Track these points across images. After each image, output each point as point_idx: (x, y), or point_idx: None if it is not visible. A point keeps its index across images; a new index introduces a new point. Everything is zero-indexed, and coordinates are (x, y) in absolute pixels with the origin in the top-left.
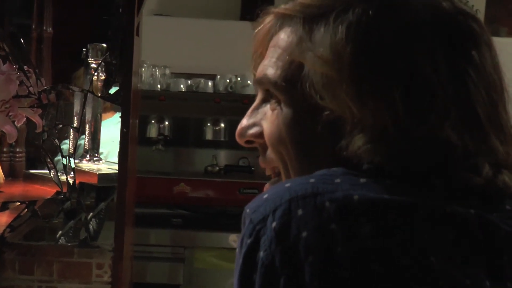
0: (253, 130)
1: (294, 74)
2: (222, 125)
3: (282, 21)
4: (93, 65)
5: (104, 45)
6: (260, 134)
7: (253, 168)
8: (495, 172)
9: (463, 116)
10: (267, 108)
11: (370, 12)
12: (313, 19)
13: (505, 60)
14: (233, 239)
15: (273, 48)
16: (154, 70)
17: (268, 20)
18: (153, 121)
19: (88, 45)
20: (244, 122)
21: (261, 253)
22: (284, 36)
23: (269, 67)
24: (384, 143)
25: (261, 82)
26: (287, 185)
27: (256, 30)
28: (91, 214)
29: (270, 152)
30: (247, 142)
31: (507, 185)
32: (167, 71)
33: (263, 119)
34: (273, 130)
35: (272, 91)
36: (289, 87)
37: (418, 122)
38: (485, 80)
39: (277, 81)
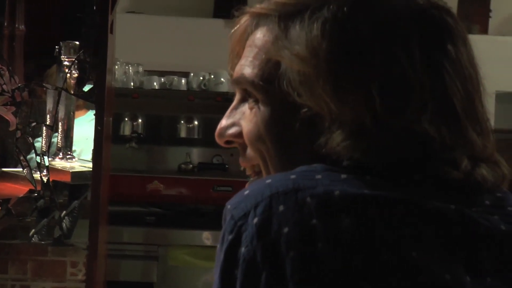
0: (232, 130)
1: (271, 73)
2: (196, 122)
3: (258, 20)
4: (66, 63)
5: (77, 42)
6: (239, 134)
7: (226, 166)
8: (473, 165)
9: (440, 109)
10: (245, 107)
11: (345, 8)
12: (288, 17)
13: (477, 57)
14: (206, 236)
15: (250, 47)
16: (127, 67)
17: (244, 20)
18: (126, 119)
19: (61, 43)
20: (223, 122)
21: (243, 249)
22: (260, 35)
23: (246, 67)
24: (363, 138)
25: (238, 81)
26: (268, 181)
27: (233, 30)
28: (64, 212)
29: (249, 151)
30: (227, 142)
31: (485, 178)
32: (140, 69)
33: (241, 119)
34: (252, 128)
35: (249, 90)
36: (267, 85)
37: (395, 116)
38: (461, 73)
39: (254, 80)
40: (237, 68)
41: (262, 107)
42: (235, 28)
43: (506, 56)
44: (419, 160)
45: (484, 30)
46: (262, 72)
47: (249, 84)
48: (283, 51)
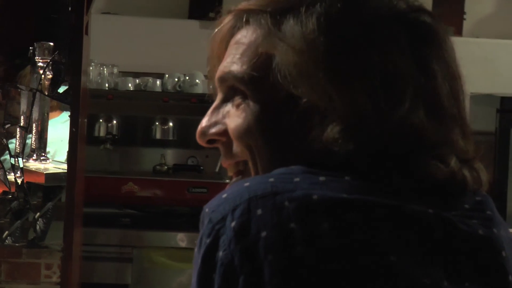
0: (215, 128)
1: (262, 67)
2: (171, 124)
3: (244, 19)
4: (41, 64)
5: (52, 43)
6: (223, 132)
7: (201, 167)
8: (457, 164)
9: (431, 105)
10: (228, 107)
11: (338, 5)
12: (281, 12)
13: None
14: (181, 238)
15: (236, 45)
16: (102, 69)
17: (226, 21)
18: (101, 120)
19: (35, 44)
20: (204, 122)
21: (220, 253)
22: (247, 33)
23: (233, 64)
24: (361, 129)
25: (224, 79)
26: (246, 184)
27: (215, 31)
28: (38, 214)
29: (236, 147)
30: (209, 141)
31: (466, 180)
32: (115, 70)
33: (225, 117)
34: (241, 123)
35: (238, 86)
36: (258, 80)
37: (395, 107)
38: (447, 72)
39: (244, 76)
40: (221, 67)
41: (251, 103)
42: (217, 29)
43: (481, 58)
44: (408, 153)
45: (458, 32)
46: (252, 67)
47: (238, 80)
48: (278, 44)
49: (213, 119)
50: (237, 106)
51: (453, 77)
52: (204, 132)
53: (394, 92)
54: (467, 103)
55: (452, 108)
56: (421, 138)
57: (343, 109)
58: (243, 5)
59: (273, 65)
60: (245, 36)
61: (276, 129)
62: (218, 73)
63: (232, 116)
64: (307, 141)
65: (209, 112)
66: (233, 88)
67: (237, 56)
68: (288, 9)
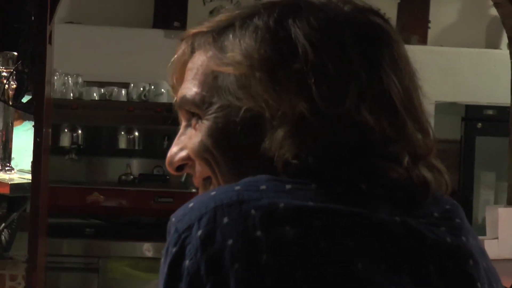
0: (181, 154)
1: (211, 87)
2: (136, 133)
3: (194, 43)
4: (4, 74)
5: (15, 53)
6: (189, 156)
7: (167, 177)
8: (415, 162)
9: (379, 101)
10: (190, 131)
11: (275, 15)
12: (222, 31)
13: (416, 67)
14: (147, 248)
15: (189, 71)
16: (66, 78)
17: (182, 48)
18: (65, 130)
19: None
20: (172, 150)
21: (187, 262)
22: (197, 56)
23: (186, 89)
24: (304, 132)
25: (180, 105)
26: (212, 193)
27: (171, 61)
28: (3, 224)
29: (198, 165)
30: (178, 168)
31: (428, 180)
32: (80, 80)
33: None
34: (196, 141)
35: (192, 110)
36: (207, 100)
37: (334, 106)
38: (397, 70)
39: (195, 98)
40: (179, 93)
41: (205, 122)
42: (174, 58)
43: (445, 66)
44: (361, 154)
45: (423, 41)
46: (202, 88)
47: (190, 103)
48: (219, 61)
49: (179, 146)
50: (194, 128)
51: (404, 74)
52: (171, 160)
53: (332, 90)
54: (431, 111)
55: (404, 105)
56: (367, 136)
57: (283, 114)
58: (191, 30)
59: (218, 83)
60: (196, 59)
61: (229, 143)
62: (176, 100)
63: (190, 138)
64: (261, 152)
65: (175, 140)
66: (190, 112)
67: (189, 80)
68: (228, 26)
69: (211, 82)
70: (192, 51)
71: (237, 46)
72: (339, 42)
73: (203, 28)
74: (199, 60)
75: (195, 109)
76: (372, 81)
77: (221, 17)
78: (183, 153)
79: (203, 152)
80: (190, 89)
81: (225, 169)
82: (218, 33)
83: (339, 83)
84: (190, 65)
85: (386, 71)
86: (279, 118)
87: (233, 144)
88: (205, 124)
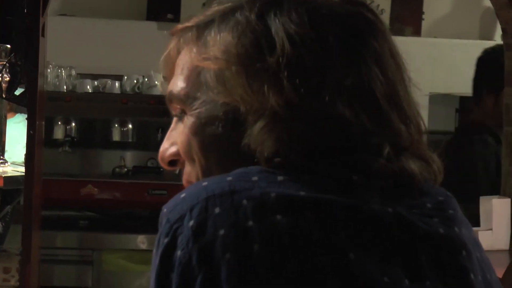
0: (171, 150)
1: (194, 82)
2: (130, 126)
3: (181, 39)
4: None
5: (8, 46)
6: (179, 152)
7: (161, 169)
8: (397, 153)
9: (358, 94)
10: (180, 125)
11: (256, 9)
12: (205, 25)
13: (410, 59)
14: (141, 240)
15: (177, 66)
16: (59, 71)
17: (172, 43)
18: (59, 123)
19: None
20: (164, 145)
21: (178, 252)
22: (184, 52)
23: (173, 84)
24: (279, 126)
25: (168, 100)
26: (204, 183)
27: (163, 56)
28: None
29: (186, 165)
30: (170, 163)
31: (413, 171)
32: (73, 72)
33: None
34: (183, 139)
35: (178, 105)
36: (191, 95)
37: (308, 99)
38: (381, 63)
39: (180, 93)
40: (168, 88)
41: (189, 117)
42: (164, 55)
43: (439, 58)
44: (341, 148)
45: (417, 32)
46: (186, 83)
47: (176, 99)
48: (201, 57)
49: (170, 141)
50: (183, 123)
51: (388, 67)
52: (163, 155)
53: (308, 85)
54: (425, 102)
55: (387, 96)
56: (345, 129)
57: (258, 109)
58: (179, 26)
59: (201, 78)
60: (182, 56)
61: (214, 140)
62: (166, 95)
63: (180, 133)
64: (241, 149)
65: (167, 135)
66: (180, 108)
67: (177, 76)
68: (211, 21)
69: (195, 77)
70: (180, 47)
71: (217, 41)
72: (319, 35)
73: (190, 23)
74: (186, 56)
75: (181, 104)
76: (350, 73)
77: (207, 11)
78: (173, 149)
79: (190, 150)
80: (177, 84)
81: (207, 168)
82: (202, 28)
83: (315, 76)
84: (178, 61)
85: (367, 63)
86: (255, 113)
87: (217, 142)
88: (189, 120)
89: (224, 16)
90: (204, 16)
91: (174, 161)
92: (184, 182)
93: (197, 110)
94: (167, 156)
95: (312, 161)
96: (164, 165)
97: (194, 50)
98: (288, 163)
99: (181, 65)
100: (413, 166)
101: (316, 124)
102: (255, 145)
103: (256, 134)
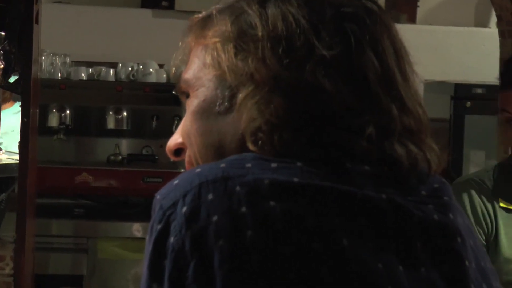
0: (177, 139)
1: (200, 67)
2: (125, 113)
3: (194, 34)
4: None
5: (2, 33)
6: (183, 141)
7: (156, 157)
8: (383, 137)
9: (343, 71)
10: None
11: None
12: (208, 17)
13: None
14: (136, 228)
15: (192, 57)
16: (54, 58)
17: (188, 36)
18: (53, 110)
19: None
20: (172, 136)
21: (172, 239)
22: (196, 45)
23: (185, 72)
24: (260, 97)
25: (179, 88)
26: (197, 170)
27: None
28: None
29: (188, 149)
30: (175, 153)
31: (399, 155)
32: (68, 60)
33: None
34: (185, 123)
35: (186, 89)
36: (195, 79)
37: (290, 71)
38: (376, 46)
39: (188, 78)
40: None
41: (192, 99)
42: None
43: (434, 45)
44: (321, 124)
45: (412, 19)
46: (193, 70)
47: (184, 83)
48: (202, 37)
49: (178, 131)
50: (188, 108)
51: (385, 51)
52: (169, 145)
53: (293, 58)
54: (420, 90)
55: (380, 80)
56: (324, 99)
57: (244, 80)
58: (194, 18)
59: (205, 59)
60: (195, 49)
61: (209, 126)
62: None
63: (183, 121)
64: (238, 132)
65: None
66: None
67: (190, 65)
68: (221, 10)
69: (202, 63)
70: (194, 40)
71: (217, 24)
72: (314, 16)
73: (200, 15)
74: (197, 50)
75: (187, 87)
76: (339, 52)
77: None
78: (178, 138)
79: (187, 135)
80: (187, 71)
81: (203, 154)
82: (208, 17)
83: (301, 50)
84: (191, 55)
85: (361, 45)
86: (242, 86)
87: (211, 127)
88: (191, 102)
89: (230, 5)
90: (213, 8)
91: (179, 151)
92: (186, 165)
93: (198, 90)
94: (172, 145)
95: (293, 138)
96: (170, 155)
97: (199, 34)
98: (269, 142)
99: (194, 55)
100: (400, 151)
101: (295, 94)
102: (239, 115)
103: (239, 103)
